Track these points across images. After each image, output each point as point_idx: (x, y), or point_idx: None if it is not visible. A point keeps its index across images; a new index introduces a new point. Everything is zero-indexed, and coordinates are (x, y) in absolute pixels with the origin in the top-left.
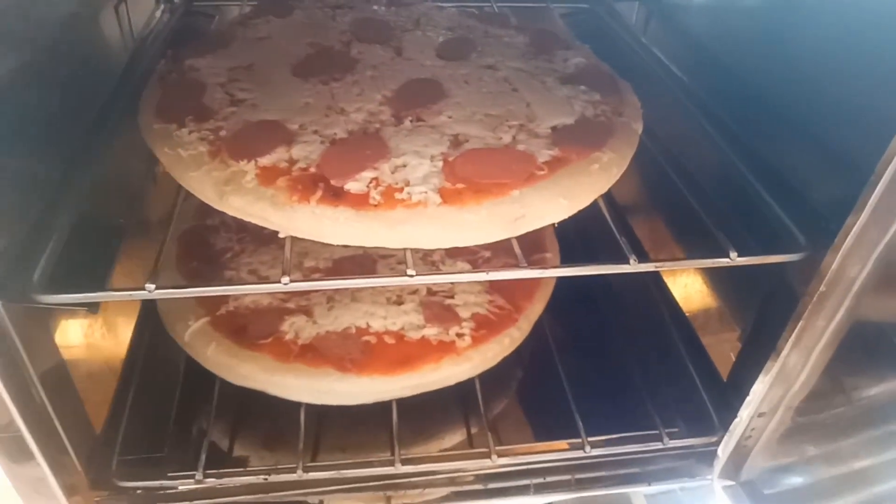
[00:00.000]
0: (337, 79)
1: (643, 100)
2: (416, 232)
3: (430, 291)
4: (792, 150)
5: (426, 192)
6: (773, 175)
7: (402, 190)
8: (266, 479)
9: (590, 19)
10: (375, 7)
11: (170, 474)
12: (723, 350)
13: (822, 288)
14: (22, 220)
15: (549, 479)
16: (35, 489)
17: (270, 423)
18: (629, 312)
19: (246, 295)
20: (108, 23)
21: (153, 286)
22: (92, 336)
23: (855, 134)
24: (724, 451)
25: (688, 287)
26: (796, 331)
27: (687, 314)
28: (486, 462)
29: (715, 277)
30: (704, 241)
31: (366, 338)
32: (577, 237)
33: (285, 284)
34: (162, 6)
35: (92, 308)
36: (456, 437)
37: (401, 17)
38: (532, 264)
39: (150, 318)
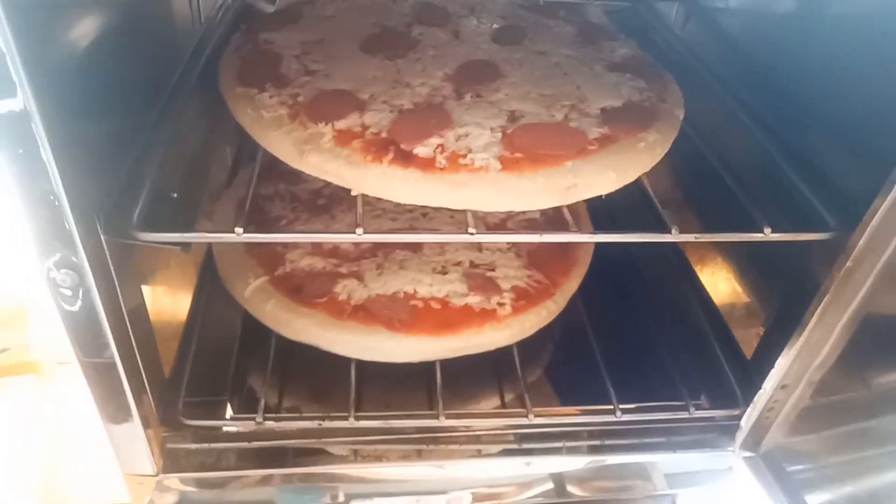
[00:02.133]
0: (401, 56)
1: (682, 91)
2: (477, 195)
3: (473, 264)
4: (823, 141)
5: (488, 159)
6: (803, 162)
7: (465, 156)
8: (320, 424)
9: (631, 17)
10: None
11: (231, 416)
12: (748, 336)
13: (848, 263)
14: (119, 168)
15: (581, 442)
16: (120, 418)
17: (320, 378)
18: (657, 295)
19: (303, 258)
20: (178, 3)
21: (241, 230)
22: (155, 293)
23: (883, 125)
24: (747, 422)
25: (715, 275)
26: (822, 305)
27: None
28: (523, 420)
29: (742, 265)
30: (737, 222)
31: (413, 302)
32: (608, 220)
33: (359, 235)
34: None
35: (185, 247)
36: (492, 403)
37: (457, 4)
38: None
39: (207, 282)
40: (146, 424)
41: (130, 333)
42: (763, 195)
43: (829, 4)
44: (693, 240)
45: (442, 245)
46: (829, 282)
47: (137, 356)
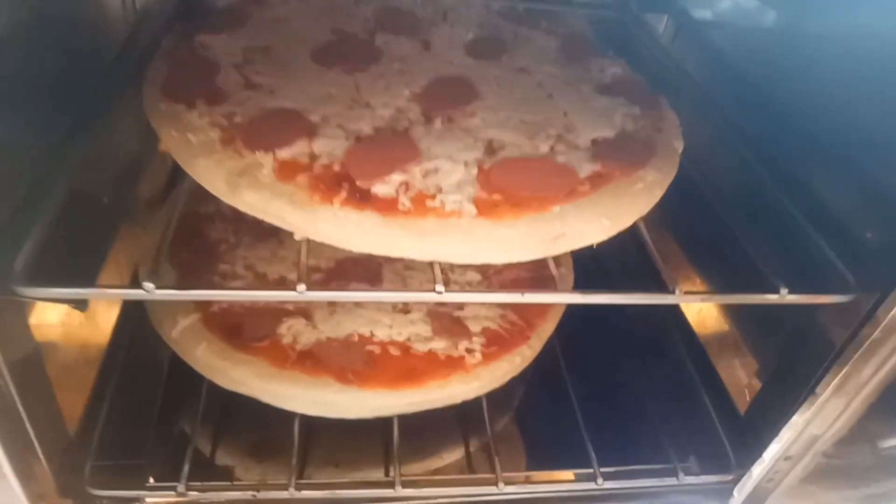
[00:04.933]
0: (361, 69)
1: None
2: (448, 245)
3: (439, 302)
4: (833, 179)
5: (461, 202)
6: (812, 204)
7: (434, 197)
8: (255, 495)
9: (616, 28)
10: None
11: (148, 485)
12: (737, 382)
13: (875, 334)
14: (7, 199)
15: None
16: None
17: (259, 431)
18: (642, 337)
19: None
20: None
21: (152, 286)
22: (70, 324)
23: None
24: (740, 491)
25: (702, 312)
26: (840, 376)
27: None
28: (492, 489)
29: (733, 307)
30: (736, 271)
31: (369, 347)
32: (591, 259)
33: (301, 293)
34: None
35: (80, 305)
36: (454, 456)
37: (427, 10)
38: (546, 280)
39: (134, 309)
40: (37, 499)
41: (14, 393)
42: (764, 240)
43: (832, 22)
44: (699, 301)
45: (404, 278)
46: (852, 351)
47: (25, 419)
